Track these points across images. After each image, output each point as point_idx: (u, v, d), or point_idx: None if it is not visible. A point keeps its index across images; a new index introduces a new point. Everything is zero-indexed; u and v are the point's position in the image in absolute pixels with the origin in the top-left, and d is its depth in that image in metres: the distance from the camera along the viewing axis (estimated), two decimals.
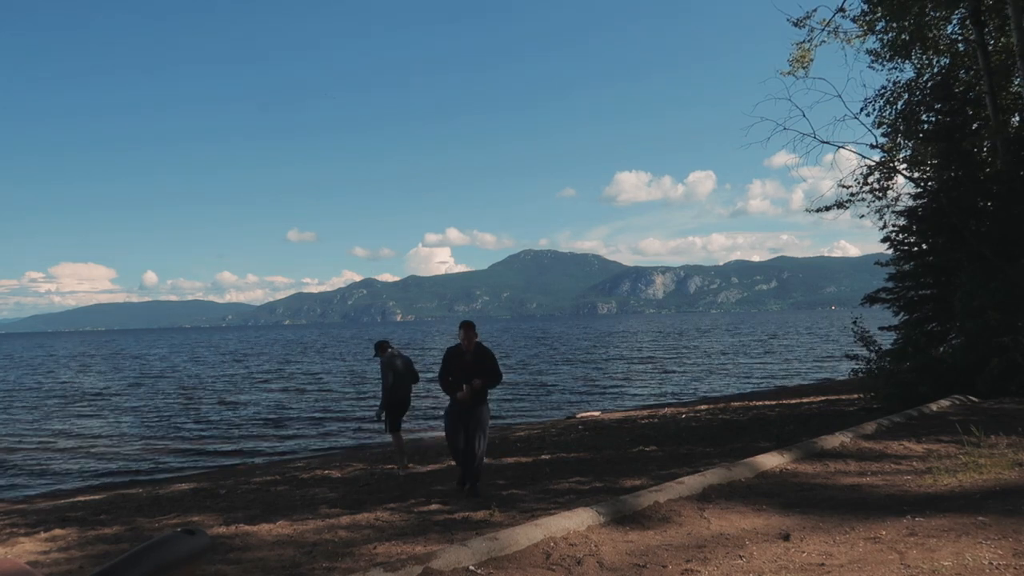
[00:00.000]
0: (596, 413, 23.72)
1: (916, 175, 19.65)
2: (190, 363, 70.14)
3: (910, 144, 20.59)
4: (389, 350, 13.02)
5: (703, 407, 21.47)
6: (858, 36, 20.56)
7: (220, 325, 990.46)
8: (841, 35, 20.39)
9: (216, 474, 16.42)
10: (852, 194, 19.71)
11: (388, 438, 13.68)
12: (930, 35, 20.19)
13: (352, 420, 25.83)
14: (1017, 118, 19.32)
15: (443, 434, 19.30)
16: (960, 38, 20.46)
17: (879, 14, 19.99)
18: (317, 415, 27.69)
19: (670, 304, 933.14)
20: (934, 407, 12.54)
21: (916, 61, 20.80)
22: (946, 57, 20.68)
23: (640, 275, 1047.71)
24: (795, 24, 19.90)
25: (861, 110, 20.72)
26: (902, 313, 17.78)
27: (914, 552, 5.23)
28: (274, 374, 51.75)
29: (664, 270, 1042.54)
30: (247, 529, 7.70)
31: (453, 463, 12.46)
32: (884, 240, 18.25)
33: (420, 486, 10.07)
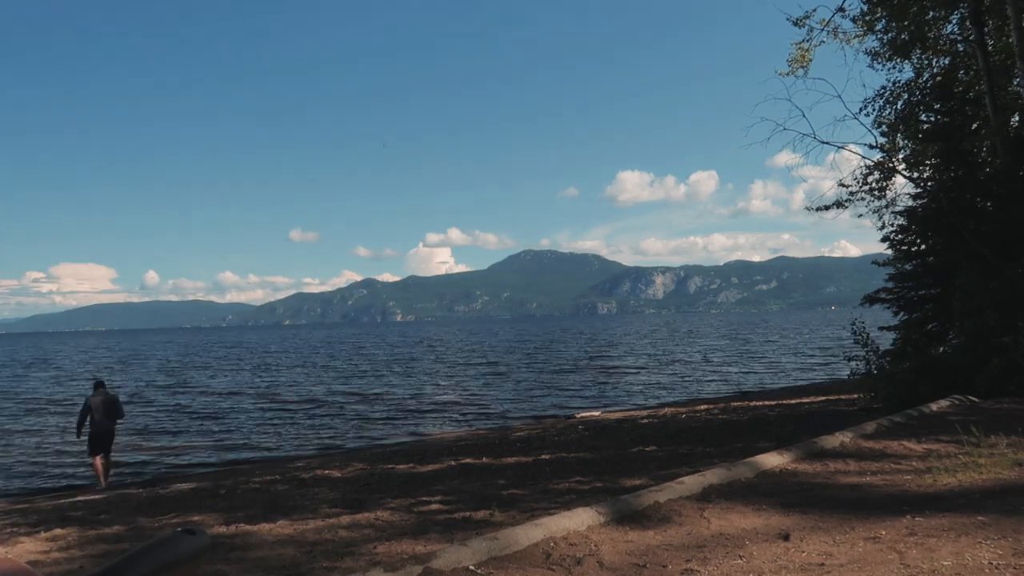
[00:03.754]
0: (596, 413, 23.71)
1: (916, 175, 19.64)
2: (193, 362, 70.06)
3: (910, 144, 20.57)
4: (99, 391, 16.16)
5: (703, 407, 21.46)
6: (857, 36, 20.55)
7: (220, 325, 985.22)
8: (841, 35, 20.39)
9: (217, 474, 16.46)
10: (851, 193, 19.70)
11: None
12: (930, 35, 20.16)
13: (352, 420, 25.82)
14: (1016, 118, 19.30)
15: (444, 433, 20.03)
16: (960, 38, 20.44)
17: (879, 14, 19.96)
18: (317, 414, 27.70)
19: (670, 304, 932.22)
20: (934, 407, 12.53)
21: (916, 61, 20.79)
22: (946, 57, 20.67)
23: (640, 275, 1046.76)
24: (794, 23, 19.89)
25: (861, 110, 20.71)
26: (902, 313, 17.76)
27: (914, 552, 5.22)
28: (273, 371, 51.75)
29: (664, 270, 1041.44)
30: (248, 529, 7.70)
31: (454, 463, 12.50)
32: (884, 240, 18.24)
33: (420, 486, 10.07)
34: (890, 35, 20.34)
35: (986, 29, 18.85)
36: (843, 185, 19.83)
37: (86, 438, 15.82)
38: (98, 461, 15.72)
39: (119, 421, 16.48)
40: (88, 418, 15.76)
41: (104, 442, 15.83)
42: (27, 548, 7.81)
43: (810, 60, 19.71)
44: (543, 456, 12.57)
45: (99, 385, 16.54)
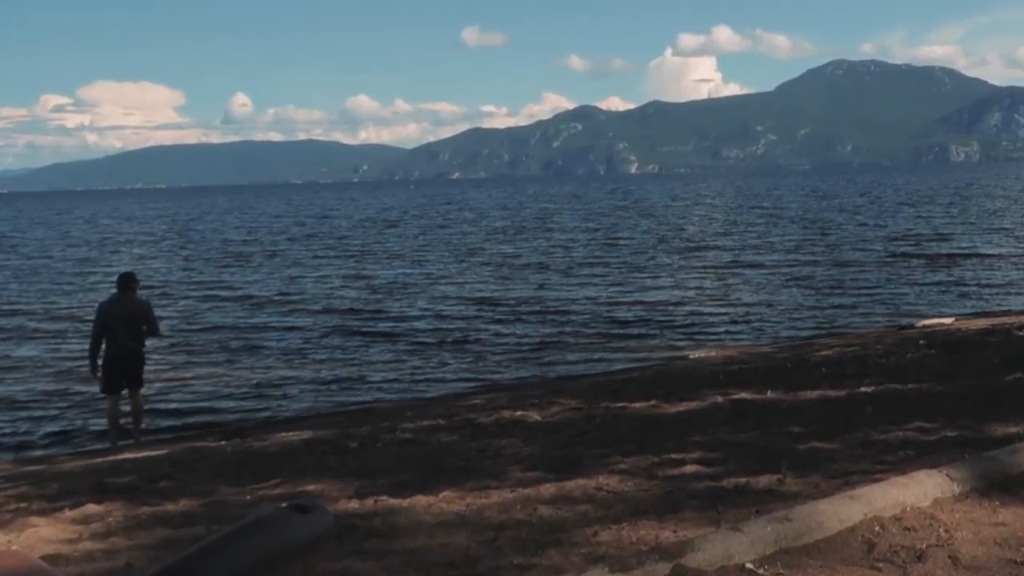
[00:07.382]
0: (947, 321, 23.08)
1: None
2: (297, 241, 69.87)
3: None
4: (124, 294, 15.12)
5: None
6: None
7: (350, 180, 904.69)
8: None
9: (343, 416, 16.37)
10: None
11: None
12: None
13: (557, 334, 25.58)
14: None
15: (702, 353, 21.16)
16: None
17: None
18: (503, 327, 27.32)
19: None
20: None
21: None
22: None
23: (1017, 100, 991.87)
24: None
25: None
26: None
27: None
28: (443, 258, 51.16)
29: None
30: (393, 503, 7.55)
31: (721, 399, 12.46)
32: None
33: (667, 436, 9.73)
34: None
35: None
36: None
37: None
38: (112, 403, 15.10)
39: (150, 340, 15.59)
40: (105, 337, 14.68)
41: (128, 372, 14.85)
42: (43, 534, 7.48)
43: None
44: (862, 389, 12.11)
45: (126, 283, 15.29)
